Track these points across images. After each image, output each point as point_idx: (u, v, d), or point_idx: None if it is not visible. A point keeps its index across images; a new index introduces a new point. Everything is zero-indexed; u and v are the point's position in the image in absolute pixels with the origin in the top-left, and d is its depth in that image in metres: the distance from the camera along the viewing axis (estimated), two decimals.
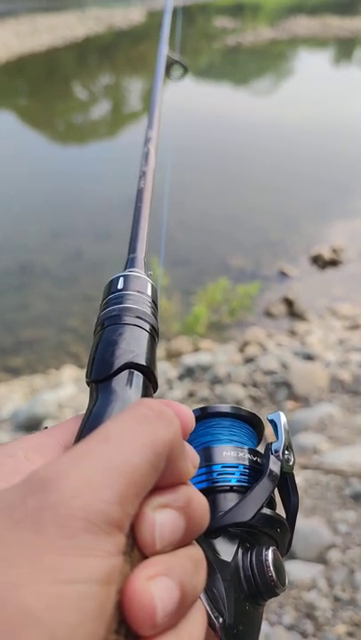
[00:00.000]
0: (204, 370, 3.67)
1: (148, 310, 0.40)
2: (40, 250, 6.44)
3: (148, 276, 0.46)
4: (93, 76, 18.46)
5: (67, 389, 3.60)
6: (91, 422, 0.31)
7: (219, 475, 0.40)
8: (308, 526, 2.14)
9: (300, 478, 2.65)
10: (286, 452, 0.40)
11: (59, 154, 10.90)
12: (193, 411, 0.45)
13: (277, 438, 0.41)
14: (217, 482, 0.39)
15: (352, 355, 3.82)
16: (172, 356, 4.64)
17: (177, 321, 4.93)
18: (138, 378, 0.34)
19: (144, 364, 0.35)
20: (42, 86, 16.44)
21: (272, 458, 0.40)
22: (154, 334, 0.39)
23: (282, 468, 0.40)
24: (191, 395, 3.46)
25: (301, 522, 2.18)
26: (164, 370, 3.92)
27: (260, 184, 8.62)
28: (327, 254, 6.45)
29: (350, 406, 3.20)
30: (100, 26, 25.19)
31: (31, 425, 3.21)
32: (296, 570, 1.82)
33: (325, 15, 26.81)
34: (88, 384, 0.35)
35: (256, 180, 8.82)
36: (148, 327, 0.38)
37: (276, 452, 0.40)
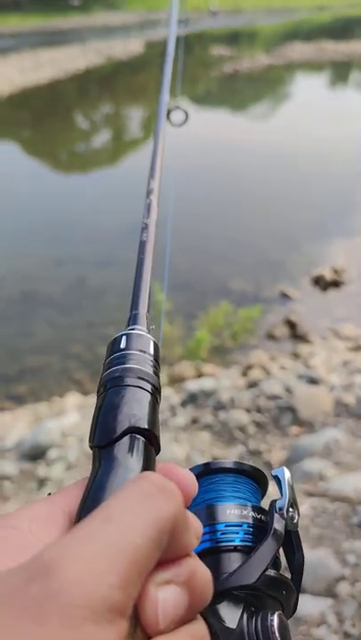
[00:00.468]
0: (207, 395, 3.66)
1: (150, 370, 0.40)
2: (43, 278, 6.49)
3: (150, 330, 0.47)
4: (94, 106, 18.83)
5: (70, 417, 3.59)
6: (93, 494, 0.31)
7: (222, 534, 0.40)
8: (315, 558, 2.10)
9: (305, 506, 2.62)
10: (291, 509, 0.40)
11: (61, 183, 11.06)
12: (196, 467, 0.45)
13: (281, 495, 0.41)
14: (221, 541, 0.39)
15: (356, 377, 3.81)
16: (175, 381, 4.63)
17: (179, 345, 4.93)
18: (140, 442, 0.35)
19: (146, 427, 0.35)
20: (44, 117, 16.76)
21: (276, 516, 0.40)
22: (156, 394, 0.39)
23: (286, 526, 0.40)
24: (195, 421, 3.44)
25: (309, 553, 2.14)
26: (168, 396, 3.91)
27: (259, 207, 8.71)
28: (328, 275, 6.47)
29: (356, 431, 3.18)
30: (101, 57, 25.80)
31: (35, 454, 3.19)
32: (305, 604, 1.79)
33: (320, 40, 27.44)
34: (91, 448, 0.36)
35: (256, 203, 8.92)
36: (149, 388, 0.39)
37: (281, 509, 0.40)
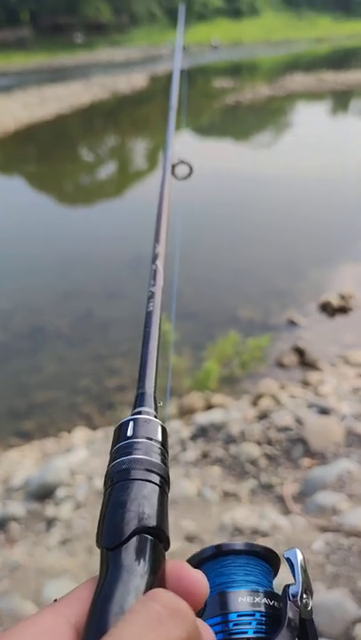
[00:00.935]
0: (217, 429, 3.62)
1: (158, 459, 0.40)
2: (51, 311, 6.52)
3: (157, 409, 0.46)
4: (99, 140, 19.25)
5: (78, 454, 3.55)
6: (101, 609, 0.30)
7: (235, 625, 0.38)
8: (331, 599, 2.04)
9: (319, 542, 2.56)
10: (305, 595, 0.39)
11: (67, 216, 11.24)
12: (207, 548, 0.44)
13: (294, 580, 0.40)
14: (233, 633, 0.38)
15: None
16: (185, 413, 4.59)
17: (188, 376, 4.90)
18: (149, 543, 0.34)
19: (154, 524, 0.35)
20: (50, 151, 17.13)
21: (290, 604, 0.38)
22: (164, 486, 0.39)
23: (300, 614, 0.38)
24: (205, 455, 3.39)
25: (324, 594, 2.08)
26: (177, 429, 3.87)
27: (265, 236, 8.78)
28: (336, 301, 6.46)
29: None
30: (105, 92, 26.49)
31: (43, 493, 3.15)
32: None
33: (320, 71, 28.07)
34: (98, 547, 0.35)
35: (261, 231, 8.99)
36: (158, 480, 0.38)
37: (294, 597, 0.39)
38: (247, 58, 48.03)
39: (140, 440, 0.40)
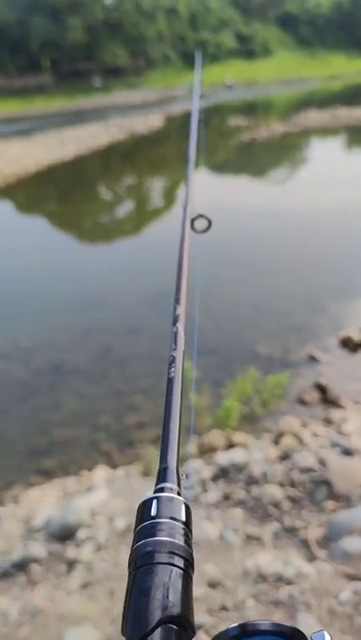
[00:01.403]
0: (238, 470, 3.57)
1: (182, 540, 0.40)
2: (71, 348, 6.60)
3: (180, 484, 0.46)
4: (117, 178, 19.74)
5: (99, 494, 3.53)
6: None
7: None
8: None
9: (347, 592, 2.47)
10: None
11: (87, 254, 11.46)
12: (232, 628, 0.44)
13: None
14: None
15: None
16: (205, 451, 4.54)
17: (208, 414, 4.87)
18: (173, 633, 0.34)
19: (179, 613, 0.35)
20: (69, 191, 17.62)
21: None
22: (188, 569, 0.39)
23: None
24: (227, 497, 3.34)
25: None
26: (198, 469, 3.83)
27: (283, 270, 8.82)
28: (357, 336, 6.40)
29: None
30: (122, 133, 27.29)
31: (64, 535, 3.12)
32: None
33: (334, 107, 28.61)
34: (123, 636, 0.35)
35: (279, 266, 9.04)
36: (182, 563, 0.38)
37: None
38: (261, 96, 49.21)
39: (163, 520, 0.40)
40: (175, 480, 0.47)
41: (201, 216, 1.10)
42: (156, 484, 0.47)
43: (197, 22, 73.92)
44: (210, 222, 1.11)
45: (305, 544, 2.98)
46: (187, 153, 1.44)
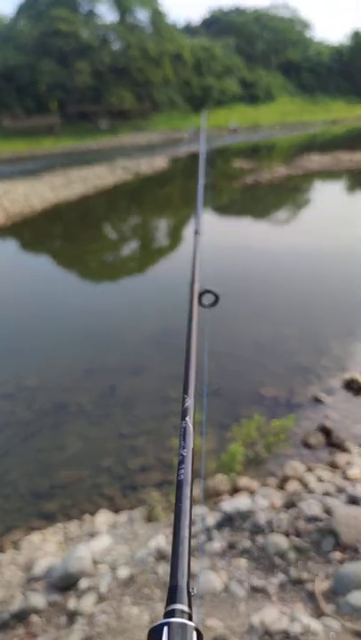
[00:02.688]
0: (243, 518, 3.51)
1: None
2: (74, 387, 6.58)
3: (190, 603, 0.45)
4: (122, 218, 20.09)
5: (102, 541, 3.46)
6: None
7: None
8: None
9: None
10: None
11: (90, 292, 11.56)
12: None
13: None
14: None
15: None
16: (210, 496, 4.48)
17: (213, 458, 4.82)
18: None
19: None
20: (74, 230, 17.92)
21: None
22: None
23: None
24: (231, 547, 3.28)
25: None
26: (203, 515, 3.76)
27: (286, 311, 8.87)
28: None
29: None
30: (128, 174, 27.94)
31: (66, 585, 3.05)
32: None
33: (335, 151, 29.36)
34: None
35: (282, 307, 9.09)
36: None
37: None
38: (265, 139, 50.52)
39: None
40: (186, 600, 0.46)
41: (208, 291, 1.13)
42: (167, 603, 0.46)
43: (202, 68, 76.70)
44: (217, 297, 1.16)
45: (312, 597, 2.90)
46: (195, 226, 1.50)
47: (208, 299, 1.14)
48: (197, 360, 0.89)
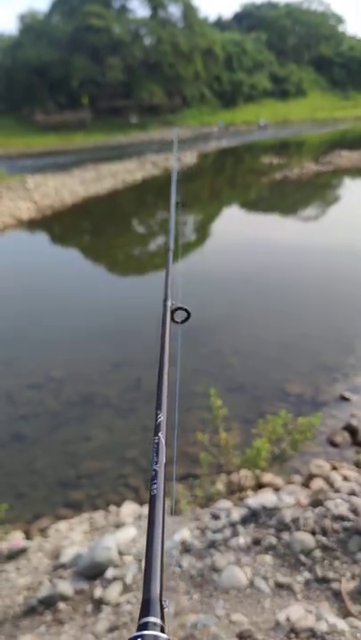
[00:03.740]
0: (268, 514, 3.49)
1: None
2: (101, 380, 6.64)
3: (163, 616, 0.46)
4: (149, 212, 20.13)
5: (127, 532, 3.49)
6: None
7: None
8: None
9: None
10: None
11: (118, 285, 11.63)
12: None
13: None
14: None
15: None
16: (234, 491, 4.47)
17: (237, 453, 4.81)
18: None
19: None
20: (102, 223, 18.02)
21: None
22: None
23: None
24: (256, 542, 3.26)
25: None
26: (227, 510, 3.76)
27: (312, 308, 8.77)
28: None
29: None
30: (157, 169, 27.98)
31: (92, 573, 3.09)
32: None
33: None
34: None
35: (308, 304, 8.99)
36: None
37: None
38: (294, 135, 49.92)
39: None
40: (158, 613, 0.48)
41: (180, 308, 1.16)
42: (140, 616, 0.47)
43: (233, 63, 76.14)
44: (189, 313, 1.16)
45: (338, 597, 2.87)
46: (167, 243, 1.51)
47: (181, 315, 1.16)
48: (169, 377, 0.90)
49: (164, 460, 0.68)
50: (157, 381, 0.89)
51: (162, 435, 0.72)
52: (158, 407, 0.79)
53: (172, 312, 1.14)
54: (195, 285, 10.60)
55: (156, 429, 0.73)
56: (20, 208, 17.92)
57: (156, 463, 0.66)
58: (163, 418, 0.76)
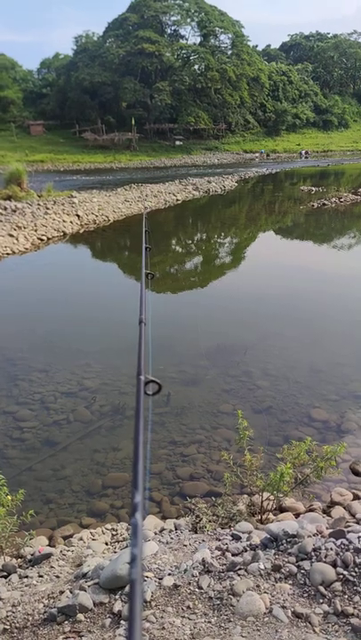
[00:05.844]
0: (289, 541, 3.47)
1: None
2: (131, 392, 6.74)
3: None
4: (187, 232, 20.39)
5: (149, 547, 3.51)
6: None
7: None
8: None
9: None
10: None
11: (152, 299, 11.78)
12: None
13: None
14: None
15: None
16: (255, 513, 4.47)
17: (260, 475, 4.80)
18: None
19: None
20: (140, 241, 18.32)
21: None
22: None
23: None
24: (276, 569, 3.24)
25: None
26: (248, 533, 3.76)
27: (344, 337, 8.71)
28: None
29: None
30: (199, 191, 28.41)
31: (112, 587, 3.11)
32: None
33: None
34: None
35: (341, 333, 8.94)
36: None
37: None
38: (334, 165, 49.92)
39: None
40: None
41: (152, 381, 1.21)
42: None
43: (278, 92, 77.00)
44: (160, 386, 1.22)
45: (358, 634, 2.83)
46: (140, 315, 1.57)
47: (153, 387, 1.22)
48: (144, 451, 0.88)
49: (143, 544, 0.67)
50: (133, 458, 0.84)
51: (139, 516, 0.68)
52: (135, 485, 0.74)
53: (146, 384, 1.19)
54: (227, 305, 10.67)
55: (133, 509, 0.69)
56: (65, 222, 18.46)
57: (135, 546, 0.63)
58: (140, 497, 0.72)
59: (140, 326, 1.55)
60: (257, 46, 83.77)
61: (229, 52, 70.95)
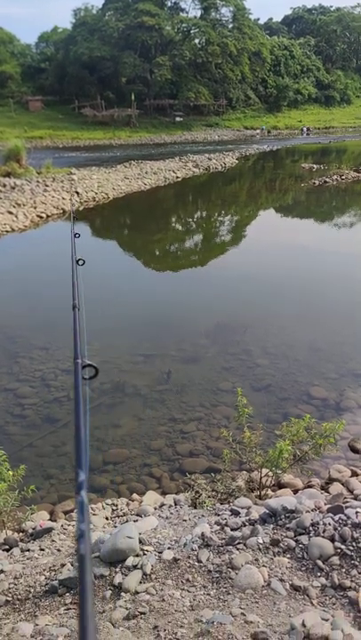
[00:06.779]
0: (288, 516, 3.51)
1: None
2: (132, 370, 6.77)
3: None
4: (187, 210, 20.22)
5: (149, 522, 3.55)
6: None
7: None
8: None
9: None
10: None
11: (153, 279, 11.73)
12: None
13: None
14: None
15: None
16: (254, 489, 4.51)
17: (259, 451, 4.84)
18: None
19: None
20: (140, 218, 18.20)
21: None
22: None
23: None
24: (275, 544, 3.28)
25: None
26: (247, 508, 3.79)
27: (346, 316, 8.70)
28: None
29: None
30: (199, 168, 28.06)
31: (113, 560, 3.16)
32: None
33: None
34: None
35: (342, 312, 8.92)
36: None
37: None
38: (336, 142, 49.27)
39: None
40: None
41: (88, 365, 1.23)
42: None
43: (280, 67, 75.50)
44: (97, 370, 1.24)
45: (354, 605, 2.87)
46: (73, 301, 1.55)
47: (90, 371, 1.23)
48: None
49: (90, 519, 0.68)
50: (75, 439, 0.86)
51: (84, 493, 0.69)
52: (79, 465, 0.75)
53: (83, 367, 1.21)
54: (227, 284, 10.63)
55: (79, 488, 0.70)
56: (64, 199, 18.26)
57: (82, 522, 0.63)
58: (84, 476, 0.73)
59: (75, 311, 1.55)
60: (258, 19, 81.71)
61: (230, 26, 69.31)
